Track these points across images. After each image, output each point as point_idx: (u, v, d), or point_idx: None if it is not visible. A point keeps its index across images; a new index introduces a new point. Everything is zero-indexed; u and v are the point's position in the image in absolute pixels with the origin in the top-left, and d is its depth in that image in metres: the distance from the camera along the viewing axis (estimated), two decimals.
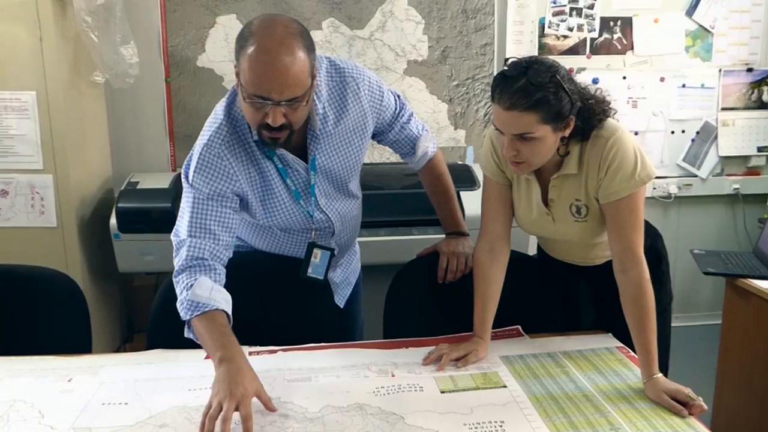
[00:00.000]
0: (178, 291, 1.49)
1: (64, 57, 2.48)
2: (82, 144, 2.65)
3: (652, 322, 1.45)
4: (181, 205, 1.57)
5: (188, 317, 1.45)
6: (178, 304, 1.48)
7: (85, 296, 1.80)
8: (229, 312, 1.48)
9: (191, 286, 1.46)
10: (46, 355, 1.62)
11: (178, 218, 1.58)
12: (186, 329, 1.49)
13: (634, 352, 1.52)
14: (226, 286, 1.52)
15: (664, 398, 1.36)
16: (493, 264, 1.64)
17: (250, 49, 1.37)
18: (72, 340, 1.74)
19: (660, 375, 1.42)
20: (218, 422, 1.23)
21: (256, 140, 1.55)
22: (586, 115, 1.46)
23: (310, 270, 1.70)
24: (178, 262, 1.51)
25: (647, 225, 1.67)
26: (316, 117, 1.56)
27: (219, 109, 1.57)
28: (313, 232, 1.70)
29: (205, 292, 1.45)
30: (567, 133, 1.45)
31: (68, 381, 1.49)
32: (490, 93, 1.46)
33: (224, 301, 1.48)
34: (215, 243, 1.52)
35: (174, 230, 1.57)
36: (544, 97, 1.36)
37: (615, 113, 1.52)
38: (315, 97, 1.54)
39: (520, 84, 1.36)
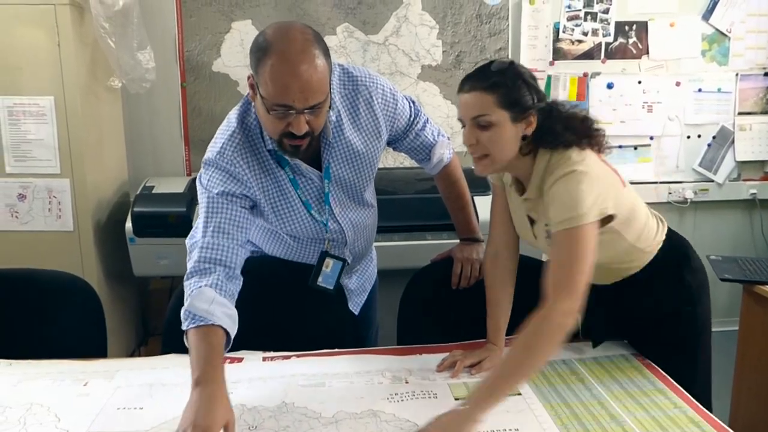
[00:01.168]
0: (185, 297, 1.42)
1: (82, 62, 2.50)
2: (98, 148, 2.67)
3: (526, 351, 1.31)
4: (199, 205, 1.55)
5: (184, 327, 1.38)
6: (181, 311, 1.41)
7: (100, 300, 1.81)
8: (229, 327, 1.39)
9: (192, 294, 1.40)
10: (62, 358, 1.63)
11: (195, 224, 1.55)
12: (185, 338, 1.40)
13: (650, 360, 1.51)
14: (240, 292, 1.48)
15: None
16: (500, 270, 1.63)
17: (270, 60, 1.35)
18: (88, 343, 1.75)
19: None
20: None
21: (269, 149, 1.54)
22: (558, 123, 1.41)
23: (320, 279, 1.69)
24: (189, 265, 1.47)
25: (686, 253, 1.59)
26: (329, 125, 1.55)
27: (232, 117, 1.57)
28: (327, 242, 1.69)
29: (203, 305, 1.37)
30: (528, 130, 1.42)
31: (84, 385, 1.51)
32: None
33: (224, 315, 1.39)
34: (230, 241, 1.48)
35: (190, 234, 1.53)
36: (501, 80, 1.39)
37: (606, 145, 1.45)
38: None
39: (482, 71, 1.42)
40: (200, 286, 1.40)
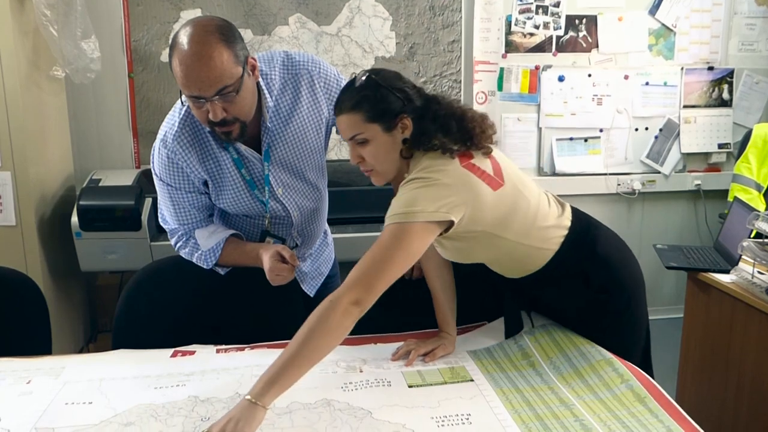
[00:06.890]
0: (187, 256, 1.71)
1: (22, 51, 2.42)
2: (42, 140, 2.59)
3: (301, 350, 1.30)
4: (158, 192, 1.69)
5: (212, 264, 1.69)
6: (194, 260, 1.71)
7: (44, 296, 1.76)
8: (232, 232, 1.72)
9: (196, 245, 1.69)
10: (3, 357, 1.58)
11: (160, 204, 1.71)
12: (217, 269, 1.73)
13: None
14: (193, 280, 1.69)
15: None
16: (432, 262, 1.63)
17: (175, 56, 1.43)
18: (31, 342, 1.71)
19: None
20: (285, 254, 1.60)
21: (210, 131, 1.58)
22: (432, 123, 1.41)
23: None
24: (175, 243, 1.72)
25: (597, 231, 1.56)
26: (265, 110, 1.60)
27: (178, 103, 1.62)
28: (267, 221, 1.73)
29: (209, 242, 1.68)
30: (406, 133, 1.43)
31: (27, 383, 1.45)
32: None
33: (224, 230, 1.71)
34: (201, 221, 1.71)
35: (160, 215, 1.74)
36: (364, 96, 1.41)
37: (491, 144, 1.44)
38: (266, 91, 1.59)
39: (347, 90, 1.45)
40: (195, 238, 1.69)
